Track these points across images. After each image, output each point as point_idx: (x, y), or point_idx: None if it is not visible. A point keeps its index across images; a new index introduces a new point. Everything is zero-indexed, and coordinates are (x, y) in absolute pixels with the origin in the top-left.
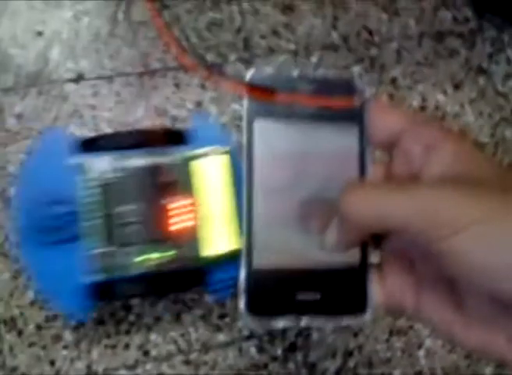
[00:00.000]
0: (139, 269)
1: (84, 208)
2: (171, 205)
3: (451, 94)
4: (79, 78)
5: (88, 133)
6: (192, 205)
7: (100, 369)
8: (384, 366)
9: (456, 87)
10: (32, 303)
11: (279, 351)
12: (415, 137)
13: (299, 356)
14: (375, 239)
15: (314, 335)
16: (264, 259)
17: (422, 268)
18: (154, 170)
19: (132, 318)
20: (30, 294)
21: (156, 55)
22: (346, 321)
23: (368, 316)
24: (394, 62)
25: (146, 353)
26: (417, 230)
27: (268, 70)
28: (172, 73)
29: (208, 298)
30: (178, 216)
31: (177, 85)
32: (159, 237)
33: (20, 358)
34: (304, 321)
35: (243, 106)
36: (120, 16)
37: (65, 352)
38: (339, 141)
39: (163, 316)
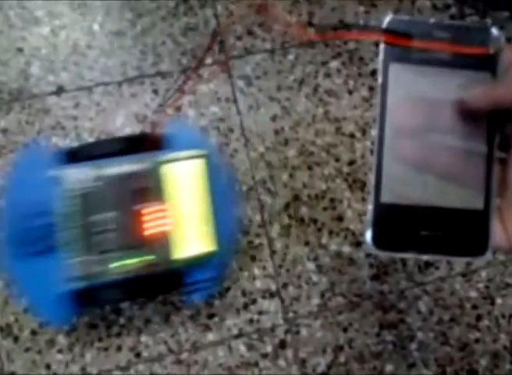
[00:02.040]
0: (117, 275)
1: (62, 218)
2: (146, 211)
3: None
4: (59, 91)
5: (71, 143)
6: (166, 209)
7: (94, 371)
8: (376, 360)
9: None
10: (26, 310)
11: (269, 349)
12: None
13: (289, 353)
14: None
15: (304, 331)
16: (390, 195)
17: None
18: (128, 177)
19: (122, 321)
20: (24, 302)
21: (133, 63)
22: (466, 260)
23: (487, 256)
24: (373, 55)
25: (137, 355)
26: None
27: (405, 17)
28: (149, 80)
29: (187, 300)
30: (153, 220)
31: (155, 91)
32: (136, 243)
33: (17, 364)
34: (425, 257)
35: (380, 50)
36: (96, 27)
37: (59, 356)
38: (471, 88)
39: (153, 318)
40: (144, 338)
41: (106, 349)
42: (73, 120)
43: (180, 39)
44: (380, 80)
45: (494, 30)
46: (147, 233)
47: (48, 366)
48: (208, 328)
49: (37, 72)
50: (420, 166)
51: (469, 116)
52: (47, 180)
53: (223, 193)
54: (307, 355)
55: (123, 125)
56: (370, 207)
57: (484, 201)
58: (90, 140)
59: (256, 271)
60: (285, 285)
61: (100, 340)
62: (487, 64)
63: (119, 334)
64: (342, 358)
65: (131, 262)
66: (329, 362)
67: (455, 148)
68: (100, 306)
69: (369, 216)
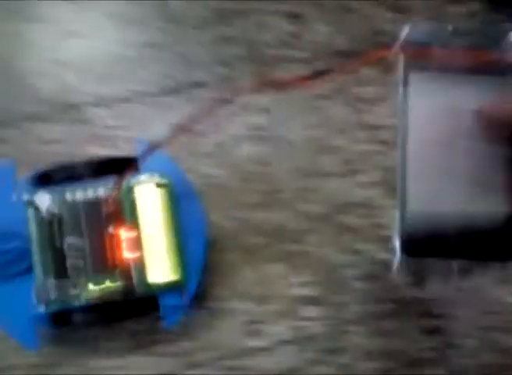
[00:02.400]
0: (89, 299)
1: (33, 242)
2: (117, 235)
3: None
4: (97, 101)
5: (109, 153)
6: (137, 234)
7: None
8: (416, 367)
9: None
10: None
11: (312, 355)
12: None
13: (331, 359)
14: None
15: (345, 337)
16: (418, 203)
17: None
18: (99, 201)
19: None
20: None
21: (168, 73)
22: (493, 266)
23: None
24: None
25: (181, 361)
26: None
27: (423, 25)
28: (185, 90)
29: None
30: (124, 245)
31: (191, 101)
32: (107, 267)
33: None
34: (453, 265)
35: (399, 60)
36: (131, 38)
37: (102, 362)
38: (493, 95)
39: (197, 324)
40: (186, 344)
41: (149, 355)
42: (111, 130)
43: (214, 48)
44: (401, 89)
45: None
46: (119, 257)
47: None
48: (252, 334)
49: (75, 82)
50: (446, 173)
51: (491, 122)
52: (17, 202)
53: (192, 220)
54: (349, 360)
55: (159, 135)
56: (398, 215)
57: (507, 206)
58: (126, 148)
59: (297, 279)
60: (325, 292)
61: (142, 347)
62: (508, 69)
63: (161, 341)
64: (382, 365)
65: (103, 287)
66: (371, 367)
67: (480, 153)
68: (73, 328)
69: (398, 224)
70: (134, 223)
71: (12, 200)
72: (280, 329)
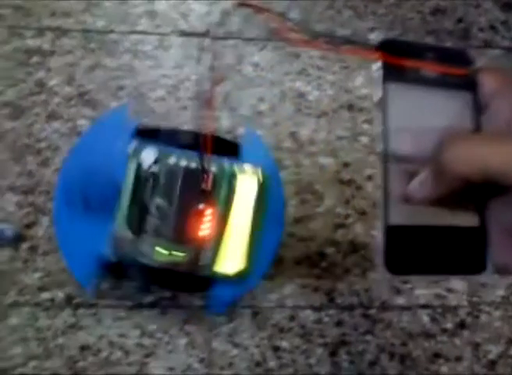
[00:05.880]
0: (153, 261)
1: (124, 192)
2: (202, 212)
3: None
4: (311, 40)
5: (312, 91)
6: (221, 217)
7: (289, 304)
8: None
9: None
10: None
11: (449, 325)
12: (505, 97)
13: (466, 334)
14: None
15: (483, 317)
16: (396, 217)
17: None
18: (196, 174)
19: (324, 265)
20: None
21: (381, 30)
22: (467, 277)
23: (486, 274)
24: None
25: (331, 300)
26: None
27: (396, 38)
28: None
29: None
30: (204, 224)
31: None
32: (182, 239)
33: None
34: (427, 277)
35: (377, 70)
36: None
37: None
38: (456, 107)
39: (352, 269)
40: (340, 286)
41: (304, 287)
42: (318, 70)
43: (428, 18)
44: (378, 99)
45: (470, 53)
46: (195, 233)
47: None
48: (399, 292)
49: (294, 18)
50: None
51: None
52: (120, 149)
53: (273, 216)
54: (482, 340)
55: (361, 85)
56: (379, 230)
57: (480, 219)
58: (330, 92)
59: None
60: None
61: (301, 277)
62: (468, 84)
63: (319, 277)
64: None
65: (171, 254)
66: (500, 352)
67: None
68: (125, 279)
69: (379, 240)
70: (224, 208)
71: (118, 146)
72: (426, 294)
